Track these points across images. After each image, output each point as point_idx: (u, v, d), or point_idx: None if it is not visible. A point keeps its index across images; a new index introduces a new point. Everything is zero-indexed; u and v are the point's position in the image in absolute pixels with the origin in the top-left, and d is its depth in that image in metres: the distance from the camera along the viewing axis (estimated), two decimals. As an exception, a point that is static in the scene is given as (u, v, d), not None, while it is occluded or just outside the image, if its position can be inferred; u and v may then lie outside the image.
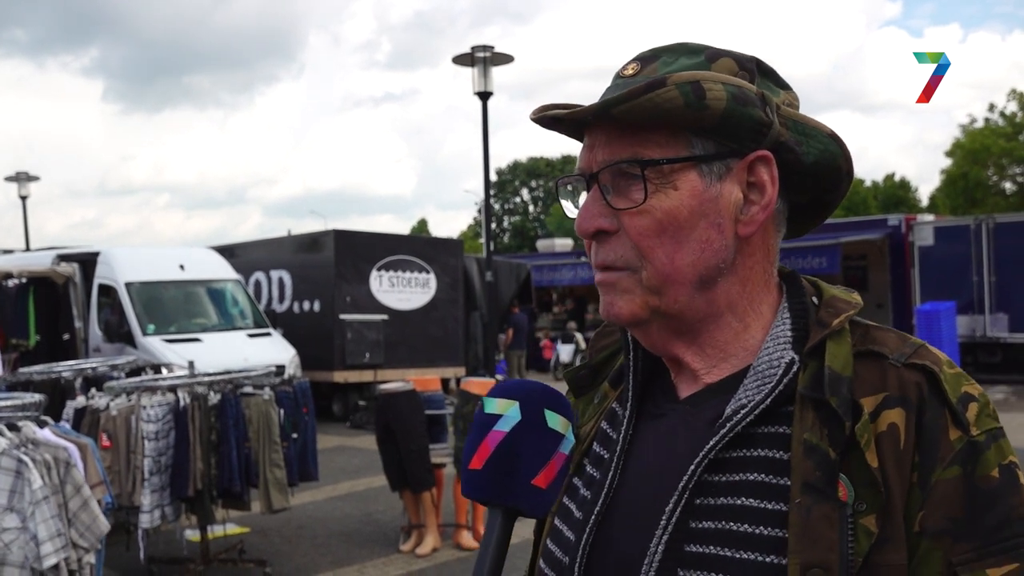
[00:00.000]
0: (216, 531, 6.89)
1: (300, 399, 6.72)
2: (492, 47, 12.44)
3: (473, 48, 12.41)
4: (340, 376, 14.44)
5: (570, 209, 1.05)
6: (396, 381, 7.89)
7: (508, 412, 0.89)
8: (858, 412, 0.89)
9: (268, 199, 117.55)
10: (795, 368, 0.94)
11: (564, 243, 29.58)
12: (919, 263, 16.97)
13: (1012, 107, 35.11)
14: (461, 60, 12.57)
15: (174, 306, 13.53)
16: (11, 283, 12.01)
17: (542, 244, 31.05)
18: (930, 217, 19.86)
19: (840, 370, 0.92)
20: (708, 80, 0.94)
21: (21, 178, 23.23)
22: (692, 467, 0.94)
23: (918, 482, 0.87)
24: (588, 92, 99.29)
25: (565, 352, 21.16)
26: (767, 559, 0.88)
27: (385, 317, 14.93)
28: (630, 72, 1.01)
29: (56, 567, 3.77)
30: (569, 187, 1.06)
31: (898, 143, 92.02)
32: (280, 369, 8.02)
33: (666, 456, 0.99)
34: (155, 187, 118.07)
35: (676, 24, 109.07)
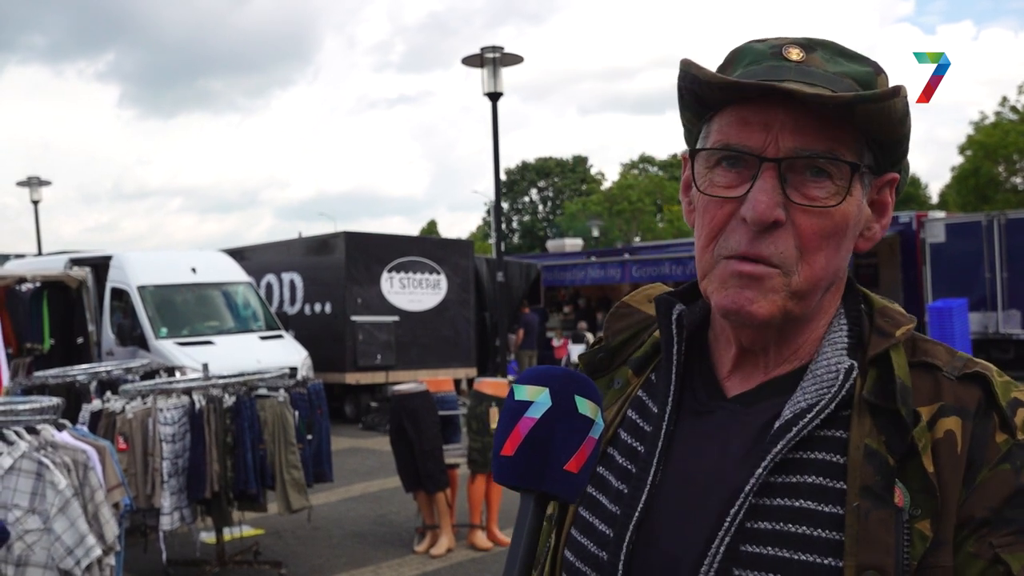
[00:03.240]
0: (231, 533, 6.93)
1: (314, 401, 6.75)
2: (502, 48, 12.44)
3: (483, 49, 12.43)
4: (352, 378, 14.48)
5: (722, 186, 0.97)
6: (409, 382, 7.91)
7: (539, 399, 0.89)
8: (917, 419, 0.91)
9: (280, 202, 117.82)
10: (855, 374, 0.95)
11: (574, 243, 29.58)
12: (931, 260, 16.92)
13: (1024, 102, 34.95)
14: (471, 61, 12.59)
15: (186, 309, 13.59)
16: (25, 287, 12.06)
17: (552, 244, 31.06)
18: (941, 214, 19.78)
19: (906, 380, 0.94)
20: (904, 94, 0.94)
21: (33, 183, 23.34)
22: (760, 470, 0.94)
23: (965, 481, 0.89)
24: (600, 93, 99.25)
25: (576, 353, 21.16)
26: (824, 561, 0.89)
27: (396, 318, 14.97)
28: (795, 56, 0.97)
29: (90, 567, 3.80)
30: (719, 156, 0.98)
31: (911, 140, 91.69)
32: (292, 371, 8.05)
33: (718, 455, 0.99)
34: (169, 191, 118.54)
35: (688, 25, 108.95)
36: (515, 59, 12.74)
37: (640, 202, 49.57)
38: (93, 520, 3.94)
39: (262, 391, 6.43)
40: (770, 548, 0.91)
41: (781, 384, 0.99)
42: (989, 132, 34.87)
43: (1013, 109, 35.07)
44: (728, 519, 0.93)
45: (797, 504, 0.92)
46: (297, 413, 6.43)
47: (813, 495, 0.92)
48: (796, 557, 0.90)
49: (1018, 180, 36.12)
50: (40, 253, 21.13)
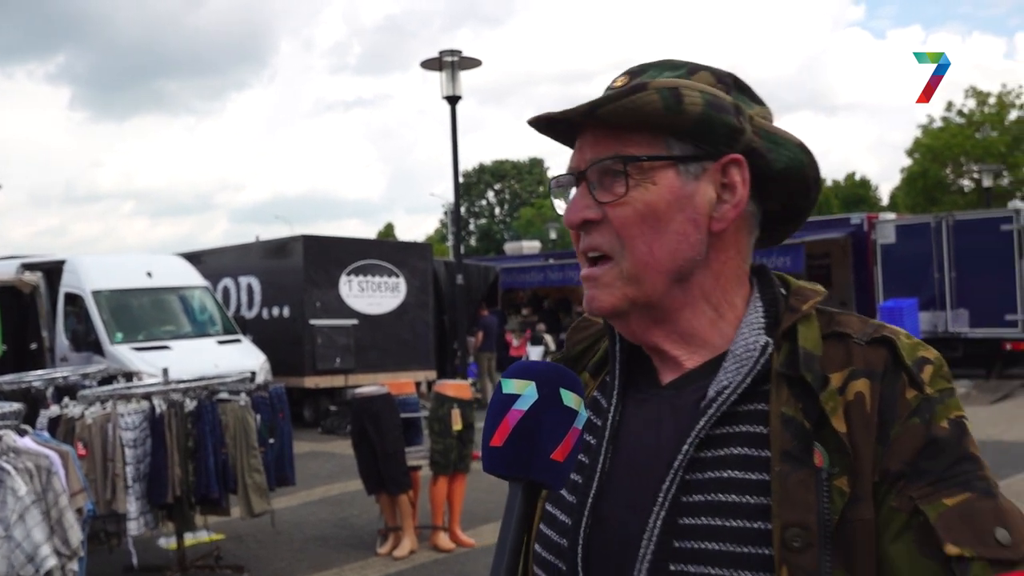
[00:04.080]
0: (192, 538, 6.89)
1: (276, 404, 6.75)
2: (460, 51, 12.48)
3: (441, 52, 12.46)
4: (311, 381, 14.41)
5: (560, 206, 1.15)
6: (371, 385, 7.92)
7: (525, 392, 0.94)
8: (826, 385, 0.99)
9: (235, 205, 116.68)
10: (769, 350, 1.03)
11: (532, 245, 29.65)
12: (881, 261, 17.22)
13: (971, 104, 35.69)
14: (429, 64, 12.62)
15: (142, 314, 13.45)
16: (-24, 293, 11.87)
17: (510, 247, 31.10)
18: (892, 215, 20.14)
19: (812, 349, 1.02)
20: (686, 87, 1.04)
21: (-19, 186, 22.91)
22: (685, 446, 1.01)
23: (879, 438, 0.96)
24: (557, 96, 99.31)
25: (535, 353, 21.17)
26: (754, 525, 0.96)
27: (355, 322, 14.92)
28: (619, 84, 1.11)
29: (50, 572, 3.77)
30: (560, 186, 1.15)
31: (861, 143, 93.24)
32: (251, 376, 8.02)
33: (654, 438, 1.06)
34: (121, 194, 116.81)
35: (646, 28, 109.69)
36: (474, 63, 12.79)
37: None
38: (57, 525, 3.92)
39: (223, 395, 6.41)
40: (704, 518, 0.98)
41: (708, 368, 1.07)
42: (936, 135, 35.59)
43: (960, 113, 35.84)
44: (661, 495, 1.01)
45: (726, 475, 0.99)
46: (259, 417, 6.42)
47: (740, 465, 0.99)
48: (728, 524, 0.97)
49: (965, 182, 36.91)
50: (-11, 258, 20.72)
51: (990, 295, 15.81)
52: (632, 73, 1.12)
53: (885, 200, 47.46)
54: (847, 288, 18.67)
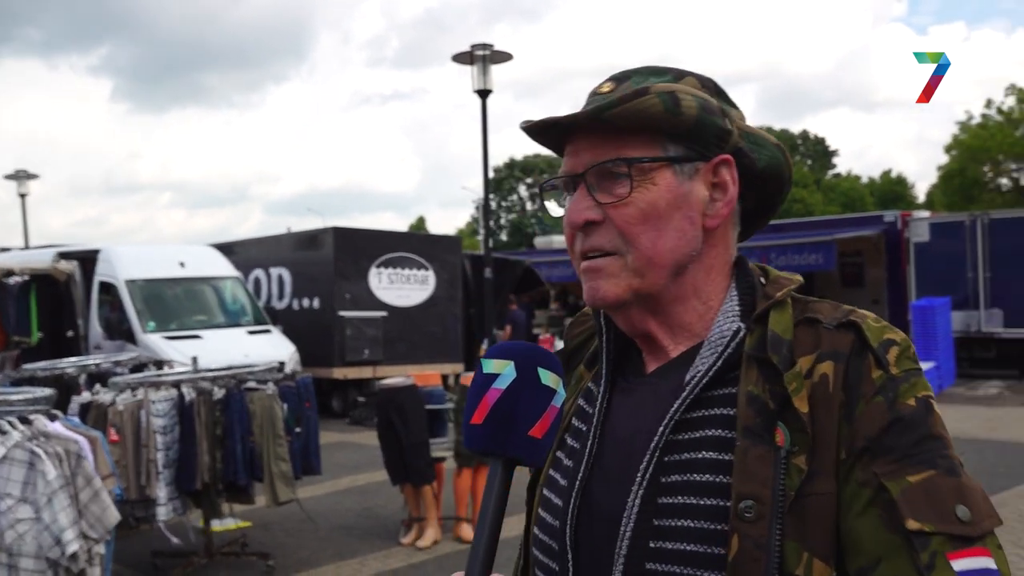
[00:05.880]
0: (219, 524, 6.98)
1: (303, 394, 6.81)
2: (492, 45, 12.51)
3: (472, 46, 12.49)
4: (339, 372, 14.52)
5: (554, 209, 1.20)
6: (397, 376, 7.97)
7: (504, 371, 0.97)
8: (792, 367, 1.02)
9: (270, 197, 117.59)
10: (741, 335, 1.08)
11: (562, 240, 29.56)
12: (915, 259, 17.05)
13: (1010, 102, 35.16)
14: (460, 58, 12.65)
15: (174, 303, 13.61)
16: (13, 280, 12.07)
17: (540, 241, 31.09)
18: (926, 213, 19.91)
19: (781, 333, 1.06)
20: (682, 92, 1.09)
21: (20, 176, 23.27)
22: (661, 428, 1.07)
23: (844, 416, 0.99)
24: (588, 91, 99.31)
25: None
26: (725, 503, 1.00)
27: (384, 314, 15.01)
28: (606, 89, 1.16)
29: (75, 556, 3.86)
30: (554, 189, 1.19)
31: (901, 140, 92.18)
32: (280, 366, 8.11)
33: (637, 423, 1.11)
34: (159, 186, 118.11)
35: (680, 24, 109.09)
36: (504, 56, 12.81)
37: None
38: (86, 509, 4.00)
39: (251, 384, 6.49)
40: (681, 497, 1.03)
41: (687, 357, 1.12)
42: (975, 133, 35.09)
43: (999, 111, 35.30)
44: (639, 475, 1.05)
45: (700, 456, 1.04)
46: (286, 406, 6.49)
47: (713, 446, 1.03)
48: (703, 502, 1.01)
49: (1003, 181, 36.37)
50: (27, 247, 21.05)
51: (1025, 295, 15.60)
52: (617, 79, 1.17)
53: (921, 198, 46.90)
54: (879, 286, 18.52)
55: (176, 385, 6.20)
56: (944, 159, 37.71)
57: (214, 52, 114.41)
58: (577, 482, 1.12)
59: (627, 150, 1.09)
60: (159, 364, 8.13)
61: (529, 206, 62.15)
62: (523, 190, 62.24)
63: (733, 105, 1.18)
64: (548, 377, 0.98)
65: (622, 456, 1.10)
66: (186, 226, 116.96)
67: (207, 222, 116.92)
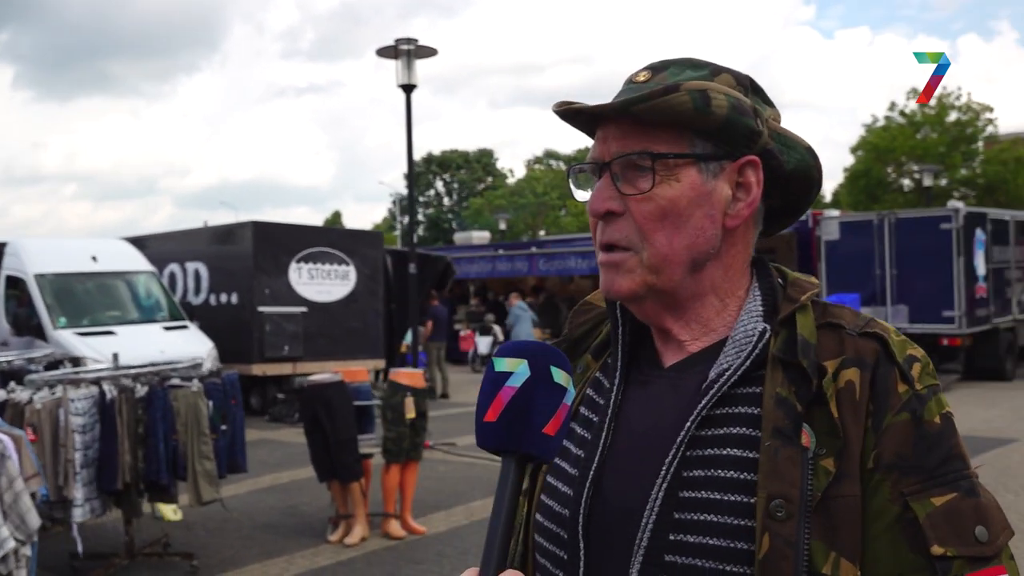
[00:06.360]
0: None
1: (229, 391, 6.70)
2: (416, 40, 12.43)
3: (397, 40, 12.38)
4: (259, 369, 14.29)
5: (580, 194, 1.20)
6: (324, 372, 7.90)
7: (518, 369, 0.98)
8: (823, 372, 1.06)
9: (180, 190, 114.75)
10: (767, 336, 1.10)
11: (482, 236, 29.63)
12: (825, 257, 17.53)
13: (912, 105, 36.40)
14: (385, 52, 12.54)
15: (87, 298, 13.22)
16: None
17: (459, 237, 31.06)
18: (836, 212, 20.50)
19: (808, 337, 1.09)
20: (714, 90, 1.10)
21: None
22: (688, 423, 1.08)
23: (872, 427, 1.03)
24: (510, 87, 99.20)
25: (484, 344, 21.24)
26: (750, 500, 1.03)
27: (304, 309, 14.82)
28: (642, 78, 1.16)
29: (5, 557, 3.73)
30: (583, 172, 1.20)
31: (809, 141, 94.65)
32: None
33: (656, 417, 1.13)
34: (63, 176, 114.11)
35: (599, 24, 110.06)
36: (429, 51, 12.74)
37: (546, 195, 49.96)
38: (11, 509, 3.87)
39: (175, 381, 6.35)
40: (703, 492, 1.05)
41: (709, 353, 1.14)
42: (879, 135, 36.23)
43: (902, 113, 36.51)
44: (664, 468, 1.07)
45: (724, 452, 1.06)
46: (211, 403, 6.38)
47: (738, 444, 1.06)
48: (726, 498, 1.04)
49: (906, 181, 37.66)
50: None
51: (928, 292, 16.20)
52: (654, 69, 1.17)
53: (828, 197, 48.28)
54: (791, 283, 18.95)
55: (97, 382, 6.03)
56: (850, 160, 38.87)
57: (122, 39, 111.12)
58: (591, 472, 1.13)
59: (654, 144, 1.10)
60: (75, 361, 7.90)
61: (447, 201, 61.99)
62: (440, 185, 62.04)
63: (769, 104, 1.19)
64: (560, 375, 0.99)
65: (639, 448, 1.12)
66: (92, 219, 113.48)
67: (114, 215, 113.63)
